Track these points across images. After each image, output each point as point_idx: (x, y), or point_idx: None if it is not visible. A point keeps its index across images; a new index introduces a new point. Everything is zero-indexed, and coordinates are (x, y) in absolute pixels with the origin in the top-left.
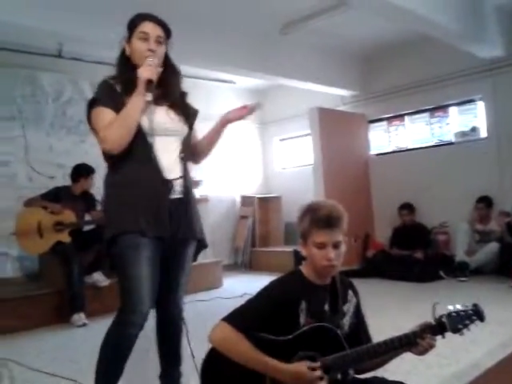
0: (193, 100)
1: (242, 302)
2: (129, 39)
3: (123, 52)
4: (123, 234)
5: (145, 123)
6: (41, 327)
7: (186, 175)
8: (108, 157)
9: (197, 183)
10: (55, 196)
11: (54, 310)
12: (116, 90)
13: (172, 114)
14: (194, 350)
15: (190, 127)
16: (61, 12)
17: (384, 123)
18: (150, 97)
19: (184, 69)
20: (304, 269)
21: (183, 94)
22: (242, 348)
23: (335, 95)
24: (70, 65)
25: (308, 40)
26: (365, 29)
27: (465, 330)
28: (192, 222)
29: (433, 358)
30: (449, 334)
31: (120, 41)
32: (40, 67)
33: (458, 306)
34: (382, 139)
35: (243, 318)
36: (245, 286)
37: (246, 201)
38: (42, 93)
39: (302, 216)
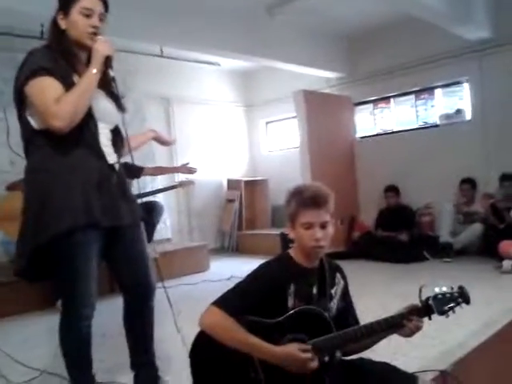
0: (176, 83)
1: (229, 284)
2: (65, 12)
3: (55, 24)
4: (76, 229)
5: (94, 106)
6: (26, 312)
7: (118, 161)
8: (51, 138)
9: (191, 183)
10: None
11: (40, 295)
12: (58, 61)
13: (110, 100)
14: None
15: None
16: None
17: (370, 106)
18: (112, 73)
19: (168, 50)
20: (292, 252)
21: (113, 78)
22: (232, 331)
23: (321, 77)
24: None
25: (295, 21)
26: (352, 10)
27: (450, 313)
28: (133, 207)
29: (418, 339)
30: (434, 316)
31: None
32: (21, 49)
33: (444, 288)
34: (367, 122)
35: (233, 302)
36: (232, 269)
37: (233, 184)
38: None
39: (289, 199)
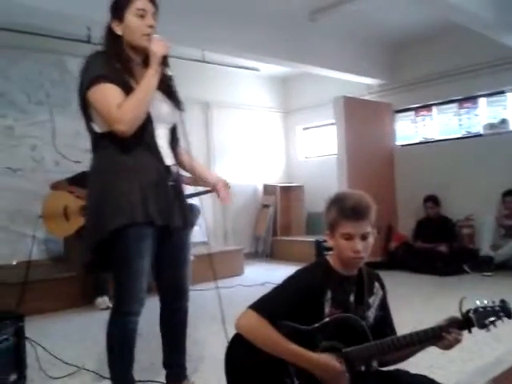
0: (216, 87)
1: (263, 290)
2: (120, 18)
3: (111, 31)
4: (133, 225)
5: (150, 108)
6: (66, 309)
7: (176, 163)
8: (114, 139)
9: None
10: (82, 180)
11: (79, 292)
12: (115, 67)
13: (167, 102)
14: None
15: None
16: None
17: (411, 113)
18: (169, 71)
19: (207, 55)
20: (331, 259)
21: (170, 77)
22: (268, 335)
23: (361, 84)
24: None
25: (336, 27)
26: (393, 16)
27: (491, 326)
28: (186, 211)
29: (456, 353)
30: (474, 329)
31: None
32: (68, 52)
33: (486, 302)
34: (408, 130)
35: (269, 306)
36: (266, 275)
37: (268, 189)
38: (70, 78)
39: (329, 206)
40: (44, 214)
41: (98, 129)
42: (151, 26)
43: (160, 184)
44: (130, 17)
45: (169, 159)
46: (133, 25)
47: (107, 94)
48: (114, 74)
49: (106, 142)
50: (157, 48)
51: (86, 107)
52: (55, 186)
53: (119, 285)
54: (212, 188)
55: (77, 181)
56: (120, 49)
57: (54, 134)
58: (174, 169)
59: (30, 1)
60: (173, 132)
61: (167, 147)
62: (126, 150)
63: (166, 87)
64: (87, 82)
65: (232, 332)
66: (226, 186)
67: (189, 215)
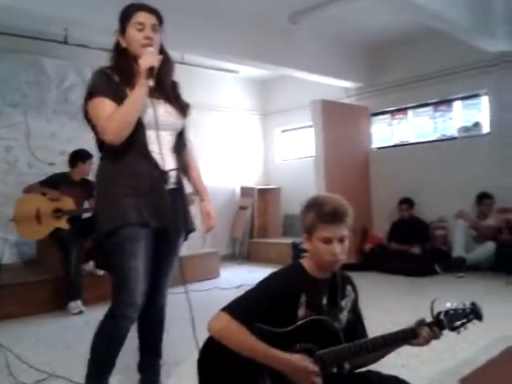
0: (195, 89)
1: (238, 293)
2: (123, 31)
3: (118, 44)
4: (125, 225)
5: (145, 116)
6: (38, 314)
7: (178, 167)
8: (108, 147)
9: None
10: (54, 183)
11: (52, 296)
12: (113, 80)
13: (169, 108)
14: (190, 339)
15: (184, 120)
16: None
17: (387, 116)
18: (151, 82)
19: (186, 57)
20: (305, 262)
21: (175, 84)
22: (241, 337)
23: (339, 87)
24: (75, 51)
25: (315, 31)
26: (373, 20)
27: (462, 329)
28: (187, 214)
29: (427, 353)
30: (445, 331)
31: (114, 33)
32: (45, 53)
33: (456, 304)
34: (384, 132)
35: (243, 308)
36: (242, 277)
37: (246, 192)
38: (46, 78)
39: (307, 210)
40: (16, 217)
41: (98, 138)
42: (148, 38)
43: (155, 189)
44: (130, 30)
45: (169, 164)
46: (132, 37)
47: (99, 106)
48: (110, 87)
49: (108, 148)
50: (143, 60)
51: (88, 118)
52: (28, 190)
53: (115, 288)
54: (203, 206)
55: (50, 183)
56: (122, 60)
57: (29, 136)
58: (174, 173)
59: (6, 1)
60: (179, 137)
61: (167, 152)
62: (121, 157)
63: (169, 95)
64: (85, 96)
65: (205, 335)
66: (213, 217)
67: (189, 220)
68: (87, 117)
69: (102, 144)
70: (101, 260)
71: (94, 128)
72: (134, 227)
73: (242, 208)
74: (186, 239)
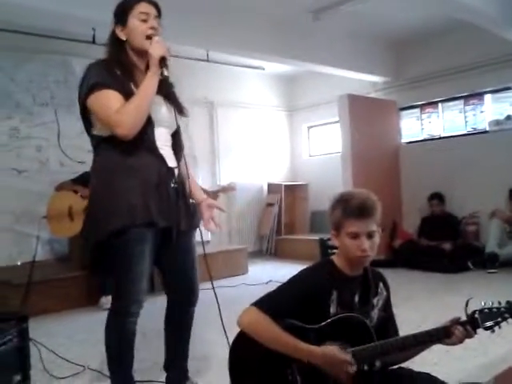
0: (221, 86)
1: (267, 288)
2: (123, 23)
3: (115, 36)
4: (134, 224)
5: (150, 111)
6: (71, 309)
7: (179, 165)
8: (110, 141)
9: (232, 189)
10: (85, 180)
11: (84, 292)
12: (115, 73)
13: (168, 105)
14: (220, 335)
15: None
16: None
17: (416, 110)
18: (166, 72)
19: (213, 54)
20: (336, 259)
21: (172, 84)
22: (271, 331)
23: (366, 81)
24: (103, 50)
25: (340, 25)
26: (399, 14)
27: (496, 328)
28: (191, 212)
29: (460, 351)
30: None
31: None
32: (73, 53)
33: (491, 303)
34: (414, 127)
35: (273, 304)
36: (270, 274)
37: (273, 188)
38: (74, 78)
39: (334, 206)
40: (48, 214)
41: (98, 133)
42: (153, 28)
43: (161, 185)
44: (134, 20)
45: (171, 161)
46: (136, 28)
47: (106, 99)
48: (113, 80)
49: (107, 145)
50: (154, 50)
51: (85, 113)
52: (60, 188)
53: (119, 286)
54: (202, 203)
55: (81, 181)
56: (123, 54)
57: (59, 135)
58: (177, 171)
59: (35, 2)
60: (175, 136)
61: (170, 149)
62: (127, 152)
63: (168, 91)
64: (86, 89)
65: (234, 331)
66: (211, 207)
67: (194, 217)
68: (85, 112)
69: (101, 140)
70: (97, 263)
71: (89, 124)
72: (142, 228)
73: (269, 205)
74: (189, 235)
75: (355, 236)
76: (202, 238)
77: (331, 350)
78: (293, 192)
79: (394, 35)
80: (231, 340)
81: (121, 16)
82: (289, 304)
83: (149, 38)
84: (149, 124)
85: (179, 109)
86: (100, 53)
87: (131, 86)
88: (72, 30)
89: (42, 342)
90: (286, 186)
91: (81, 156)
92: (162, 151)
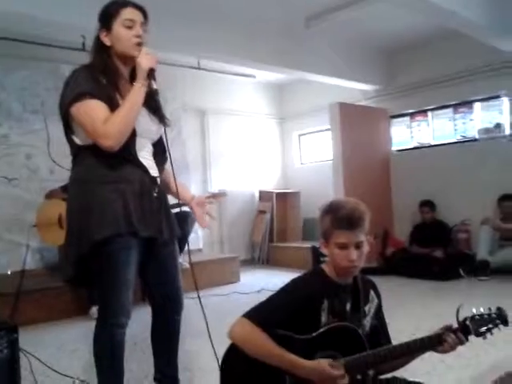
0: (211, 94)
1: (259, 297)
2: (108, 28)
3: (99, 41)
4: (117, 235)
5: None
6: (61, 319)
7: (160, 175)
8: (93, 151)
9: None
10: None
11: (74, 301)
12: (100, 81)
13: (151, 115)
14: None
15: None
16: (83, 4)
17: (406, 118)
18: (154, 85)
19: (204, 62)
20: (326, 267)
21: (156, 92)
22: (262, 344)
23: (357, 90)
24: None
25: (332, 33)
26: (389, 22)
27: (488, 334)
28: (172, 222)
29: (453, 359)
30: (470, 336)
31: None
32: (64, 60)
33: (482, 309)
34: (404, 135)
35: (264, 315)
36: (262, 282)
37: (265, 196)
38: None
39: (323, 215)
40: (38, 222)
41: (79, 141)
42: (138, 36)
43: (144, 194)
44: (118, 27)
45: (153, 170)
46: (120, 35)
47: (92, 110)
48: (99, 89)
49: (88, 154)
50: (143, 61)
51: (67, 120)
52: (49, 195)
53: (104, 297)
54: (191, 205)
55: None
56: (107, 60)
57: (49, 143)
58: (159, 180)
59: (25, 9)
60: (157, 146)
61: (152, 159)
62: (108, 162)
63: (152, 102)
64: (71, 97)
65: (225, 342)
66: (202, 205)
67: (175, 227)
68: (67, 119)
69: (82, 148)
70: (81, 275)
71: (70, 131)
72: (125, 237)
73: (261, 212)
74: (181, 248)
75: (343, 246)
76: (188, 247)
77: (322, 364)
78: (284, 199)
79: (384, 43)
80: (221, 350)
81: (105, 21)
82: (280, 315)
83: (136, 45)
84: (131, 134)
85: (161, 119)
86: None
87: (116, 96)
88: (62, 38)
89: (32, 353)
90: (277, 193)
91: (70, 163)
92: (143, 160)
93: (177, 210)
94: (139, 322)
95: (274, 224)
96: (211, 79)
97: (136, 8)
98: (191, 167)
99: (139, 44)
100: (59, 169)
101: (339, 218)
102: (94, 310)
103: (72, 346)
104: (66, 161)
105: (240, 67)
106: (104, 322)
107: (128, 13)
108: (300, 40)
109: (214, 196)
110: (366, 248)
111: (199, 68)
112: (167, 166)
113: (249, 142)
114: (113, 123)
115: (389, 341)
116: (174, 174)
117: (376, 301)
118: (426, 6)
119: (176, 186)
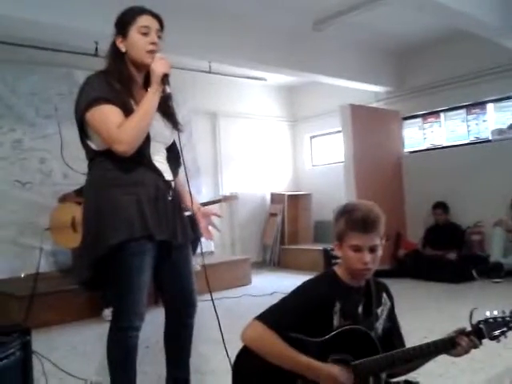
0: (223, 98)
1: (271, 300)
2: (124, 35)
3: (115, 47)
4: (132, 239)
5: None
6: (74, 321)
7: (174, 179)
8: (108, 155)
9: (234, 198)
10: None
11: (87, 304)
12: (114, 87)
13: (164, 121)
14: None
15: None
16: (96, 10)
17: (419, 120)
18: (168, 89)
19: (215, 66)
20: (338, 270)
21: (169, 97)
22: (275, 346)
23: (369, 91)
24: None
25: (342, 35)
26: (400, 24)
27: (502, 338)
28: (186, 226)
29: (466, 363)
30: (484, 340)
31: (112, 36)
32: (76, 65)
33: (496, 312)
34: (416, 136)
35: (277, 318)
36: (274, 284)
37: (276, 198)
38: (77, 91)
39: (338, 217)
40: (52, 225)
41: (95, 146)
42: (154, 43)
43: (159, 198)
44: (134, 34)
45: (168, 174)
46: (136, 42)
47: (107, 115)
48: (113, 94)
49: (103, 158)
50: (157, 66)
51: (82, 125)
52: (63, 199)
53: (119, 300)
54: (195, 212)
55: None
56: (122, 66)
57: (62, 147)
58: (173, 184)
59: (38, 16)
60: (170, 151)
61: (166, 163)
62: (124, 167)
63: (165, 106)
64: (86, 103)
65: (238, 344)
66: (206, 216)
67: (189, 231)
68: (82, 124)
69: (98, 153)
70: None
71: (85, 136)
72: (140, 241)
73: (273, 215)
74: (193, 250)
75: (357, 249)
76: (201, 249)
77: (334, 370)
78: (296, 202)
79: (395, 45)
80: (233, 353)
81: (121, 27)
82: (293, 317)
83: (150, 52)
84: (146, 139)
85: (174, 124)
86: (102, 65)
87: (131, 102)
88: (75, 43)
89: (44, 355)
90: (289, 195)
91: (84, 167)
92: (157, 164)
93: (189, 212)
94: (152, 325)
95: (285, 226)
96: (222, 82)
97: (152, 16)
98: (202, 170)
99: (152, 51)
100: (73, 173)
101: (354, 219)
102: (107, 312)
103: (85, 348)
104: (80, 164)
105: (251, 70)
106: (118, 325)
107: (144, 20)
108: (311, 42)
109: (226, 199)
110: (380, 251)
111: (210, 72)
112: (180, 170)
113: (260, 145)
114: (127, 129)
115: (402, 343)
116: (188, 181)
117: (389, 303)
118: (436, 8)
119: (190, 193)
